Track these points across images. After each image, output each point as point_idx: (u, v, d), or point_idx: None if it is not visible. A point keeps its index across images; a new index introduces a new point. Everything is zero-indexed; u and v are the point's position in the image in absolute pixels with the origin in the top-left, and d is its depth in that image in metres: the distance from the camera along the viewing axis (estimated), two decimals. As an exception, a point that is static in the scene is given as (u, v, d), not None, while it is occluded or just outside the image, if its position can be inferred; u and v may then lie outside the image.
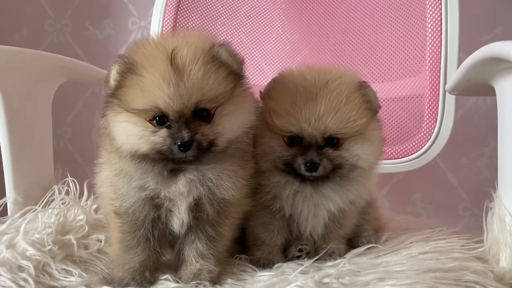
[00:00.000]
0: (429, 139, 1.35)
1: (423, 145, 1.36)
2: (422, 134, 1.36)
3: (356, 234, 1.00)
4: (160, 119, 0.72)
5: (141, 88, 0.70)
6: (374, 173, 0.97)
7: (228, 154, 0.77)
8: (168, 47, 0.72)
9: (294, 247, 0.93)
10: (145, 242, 0.80)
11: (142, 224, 0.79)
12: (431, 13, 1.33)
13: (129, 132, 0.73)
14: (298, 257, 0.92)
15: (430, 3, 1.33)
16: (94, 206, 1.07)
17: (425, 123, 1.36)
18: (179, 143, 0.70)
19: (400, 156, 1.38)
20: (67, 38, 2.11)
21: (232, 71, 0.75)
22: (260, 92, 0.91)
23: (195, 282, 0.76)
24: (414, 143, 1.38)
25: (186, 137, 0.70)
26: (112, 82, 0.74)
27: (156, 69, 0.70)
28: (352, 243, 0.99)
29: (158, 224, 0.80)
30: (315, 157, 0.82)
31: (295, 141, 0.85)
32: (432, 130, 1.35)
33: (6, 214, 1.04)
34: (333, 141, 0.83)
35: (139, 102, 0.71)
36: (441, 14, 1.31)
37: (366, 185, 0.93)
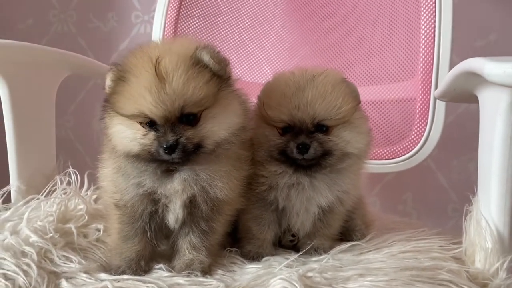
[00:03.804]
0: (419, 142, 1.39)
1: (412, 147, 1.40)
2: (412, 137, 1.40)
3: (349, 228, 1.06)
4: (149, 123, 0.77)
5: (129, 95, 0.75)
6: (363, 170, 1.01)
7: (221, 155, 0.81)
8: (153, 56, 0.76)
9: (288, 233, 1.00)
10: (142, 234, 0.85)
11: (140, 217, 0.84)
12: (425, 18, 1.35)
13: (122, 135, 0.79)
14: (291, 241, 1.00)
15: (424, 8, 1.36)
16: (94, 196, 1.12)
17: (416, 127, 1.39)
18: (164, 146, 0.75)
19: (391, 157, 1.42)
20: (71, 29, 2.14)
21: (215, 73, 0.78)
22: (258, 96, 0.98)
23: (187, 271, 0.81)
24: (404, 145, 1.41)
25: (171, 140, 0.75)
26: (107, 89, 0.80)
27: (141, 78, 0.74)
28: (345, 237, 1.04)
29: (155, 218, 0.85)
30: (305, 139, 0.88)
31: (287, 130, 0.91)
32: (422, 134, 1.38)
33: (9, 201, 1.08)
34: (322, 128, 0.90)
35: (128, 109, 0.76)
36: (435, 20, 1.34)
37: (355, 181, 0.98)
